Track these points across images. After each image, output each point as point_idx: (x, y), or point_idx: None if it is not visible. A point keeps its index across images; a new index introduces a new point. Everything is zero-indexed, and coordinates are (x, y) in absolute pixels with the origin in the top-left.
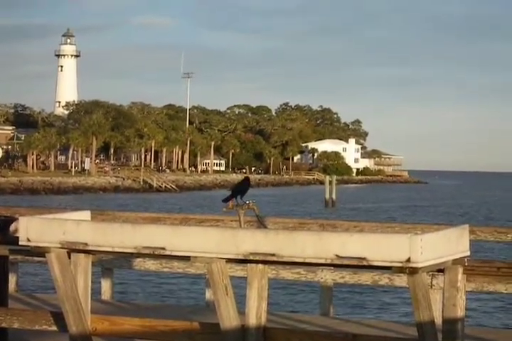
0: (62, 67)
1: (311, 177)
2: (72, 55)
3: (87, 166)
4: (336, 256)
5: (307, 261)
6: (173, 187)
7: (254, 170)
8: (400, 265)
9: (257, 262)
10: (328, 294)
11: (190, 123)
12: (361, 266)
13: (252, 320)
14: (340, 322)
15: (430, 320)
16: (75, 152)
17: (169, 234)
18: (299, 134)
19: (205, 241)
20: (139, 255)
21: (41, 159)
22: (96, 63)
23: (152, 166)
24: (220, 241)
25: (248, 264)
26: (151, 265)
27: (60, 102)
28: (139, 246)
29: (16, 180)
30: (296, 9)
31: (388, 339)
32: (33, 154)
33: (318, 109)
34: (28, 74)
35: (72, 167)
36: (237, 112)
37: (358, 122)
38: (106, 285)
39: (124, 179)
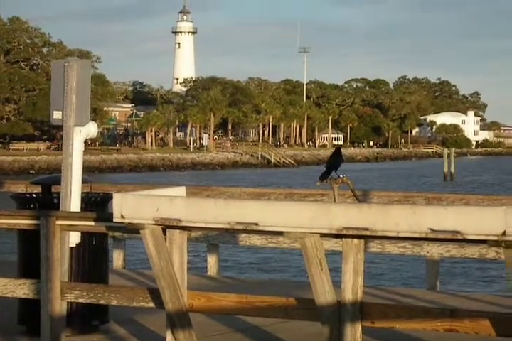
0: (179, 44)
1: (429, 150)
2: (189, 32)
3: (205, 142)
4: (430, 229)
5: (401, 235)
6: (291, 162)
7: (373, 144)
8: (495, 238)
9: (351, 237)
10: (434, 268)
11: (308, 97)
12: (456, 239)
13: (348, 295)
14: (446, 296)
15: None
16: (193, 128)
17: (262, 210)
18: (417, 107)
19: (297, 216)
20: (232, 230)
21: (160, 136)
22: (212, 40)
23: (270, 141)
24: (313, 216)
25: (343, 239)
26: (256, 240)
27: (177, 79)
28: (232, 222)
29: (135, 156)
30: None
31: (487, 314)
32: (151, 131)
33: (437, 81)
34: (146, 52)
35: (190, 143)
36: (354, 86)
37: (476, 94)
38: (212, 261)
39: (242, 154)
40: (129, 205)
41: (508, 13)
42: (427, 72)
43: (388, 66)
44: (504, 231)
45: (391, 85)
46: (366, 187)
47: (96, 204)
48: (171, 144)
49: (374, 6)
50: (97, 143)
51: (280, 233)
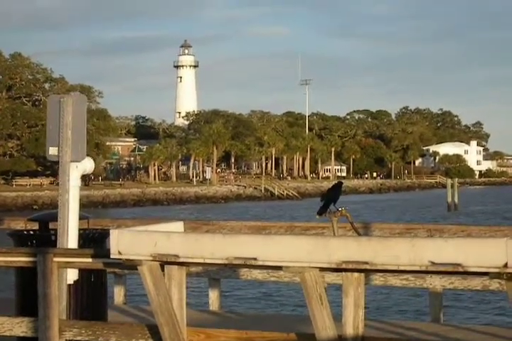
0: (181, 77)
1: (433, 180)
2: (190, 66)
3: (208, 175)
4: (431, 262)
5: (401, 268)
6: (295, 194)
7: (376, 175)
8: (497, 270)
9: (351, 270)
10: (437, 300)
11: (310, 129)
12: (457, 272)
13: (349, 330)
14: (450, 328)
15: None
16: (196, 162)
17: (260, 244)
18: (420, 138)
19: (296, 251)
20: (232, 266)
21: (163, 170)
22: (214, 73)
23: (273, 174)
24: (312, 250)
25: (343, 273)
26: (257, 274)
27: (180, 113)
28: (231, 257)
29: (139, 191)
30: (411, 15)
31: None
32: (154, 165)
33: (438, 112)
34: (148, 86)
35: (193, 177)
36: (356, 117)
37: (479, 124)
38: (213, 296)
39: (245, 187)
40: (126, 241)
41: (508, 41)
42: (428, 102)
43: (390, 97)
44: (506, 263)
45: (393, 116)
46: (369, 218)
47: (94, 240)
48: (174, 178)
49: (373, 40)
50: (101, 178)
51: (279, 267)
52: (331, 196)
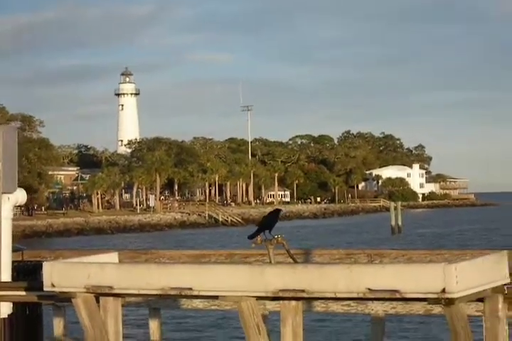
0: (122, 105)
1: (376, 204)
2: (131, 94)
3: (152, 203)
4: (368, 289)
5: (338, 296)
6: (239, 220)
7: (320, 200)
8: (435, 296)
9: (289, 299)
10: (380, 326)
11: (253, 155)
12: (395, 298)
13: None
14: None
15: None
16: (139, 189)
17: (196, 274)
18: (363, 162)
19: (232, 280)
20: (166, 296)
21: (106, 198)
22: (155, 100)
23: (217, 200)
24: (248, 279)
25: (281, 301)
26: (198, 303)
27: (122, 141)
28: (166, 287)
29: (82, 220)
30: (352, 41)
31: None
32: (97, 193)
33: (381, 135)
34: (89, 115)
35: (137, 204)
36: (299, 142)
37: (421, 147)
38: (154, 326)
39: (189, 214)
40: (59, 273)
41: (448, 68)
42: (370, 126)
43: (332, 122)
44: (444, 289)
45: (335, 141)
46: (312, 244)
47: (28, 273)
48: (118, 206)
49: (313, 65)
50: (44, 208)
51: (216, 297)
52: (266, 222)
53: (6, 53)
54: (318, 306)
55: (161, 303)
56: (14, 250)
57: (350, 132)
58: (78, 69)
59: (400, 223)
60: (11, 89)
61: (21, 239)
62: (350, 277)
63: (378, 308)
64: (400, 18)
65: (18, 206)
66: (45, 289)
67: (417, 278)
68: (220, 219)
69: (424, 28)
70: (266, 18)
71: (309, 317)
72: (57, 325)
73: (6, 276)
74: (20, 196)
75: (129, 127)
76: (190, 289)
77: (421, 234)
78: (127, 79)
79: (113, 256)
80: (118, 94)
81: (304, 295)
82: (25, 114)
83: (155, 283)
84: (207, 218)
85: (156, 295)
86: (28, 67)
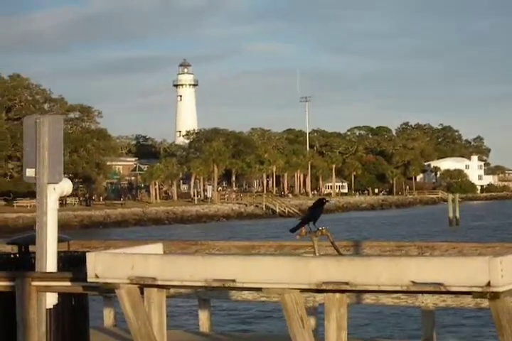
0: (181, 96)
1: (434, 196)
2: (190, 85)
3: (209, 194)
4: (412, 282)
5: (382, 288)
6: (296, 211)
7: (378, 191)
8: (479, 290)
9: (333, 291)
10: (430, 319)
11: (311, 146)
12: (439, 291)
13: None
14: None
15: None
16: (197, 180)
17: (239, 266)
18: (421, 153)
19: (276, 272)
20: (211, 288)
21: (164, 189)
22: (213, 91)
23: (274, 191)
24: (292, 272)
25: (325, 294)
26: (247, 294)
27: (180, 131)
28: (209, 279)
29: (140, 210)
30: (409, 31)
31: None
32: (155, 184)
33: (439, 127)
34: (148, 106)
35: (194, 195)
36: (357, 134)
37: (479, 139)
38: (203, 317)
39: (246, 205)
40: (103, 264)
41: (507, 58)
42: (429, 118)
43: (390, 113)
44: (489, 282)
45: (394, 132)
46: (367, 235)
47: (74, 263)
48: (175, 197)
49: (373, 55)
50: (102, 198)
51: (259, 289)
52: (310, 214)
53: (64, 45)
54: (368, 298)
55: (211, 294)
56: (60, 240)
57: (409, 123)
58: (137, 60)
59: (457, 215)
60: (70, 81)
61: (79, 229)
62: (393, 270)
63: (428, 301)
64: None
65: (77, 196)
66: (88, 280)
67: (461, 271)
68: (278, 210)
69: (485, 15)
70: (323, 9)
71: (362, 311)
72: (108, 316)
73: (52, 267)
74: (67, 186)
75: (187, 118)
76: (234, 281)
77: (479, 227)
78: (185, 70)
79: (158, 247)
80: (176, 85)
81: (348, 287)
82: (84, 105)
83: (198, 275)
84: (264, 209)
85: (200, 286)
86: (86, 58)
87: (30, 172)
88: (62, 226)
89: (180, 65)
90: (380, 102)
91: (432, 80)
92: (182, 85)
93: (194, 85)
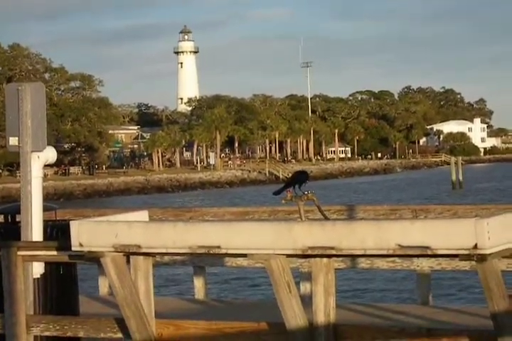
0: (181, 63)
1: (438, 159)
2: (190, 52)
3: (212, 161)
4: (398, 245)
5: (368, 252)
6: None
7: (381, 156)
8: (466, 252)
9: (320, 256)
10: (425, 282)
11: (313, 112)
12: (426, 255)
13: (320, 318)
14: (439, 311)
15: (505, 310)
16: (199, 147)
17: (223, 232)
18: (423, 117)
19: (260, 238)
20: (194, 255)
21: (167, 156)
22: (215, 58)
23: (277, 157)
24: (276, 237)
25: (312, 259)
26: (243, 261)
27: (182, 99)
28: (194, 246)
29: (142, 178)
30: None
31: (466, 331)
32: (158, 152)
33: (441, 90)
34: (149, 74)
35: (197, 162)
36: (359, 98)
37: (482, 101)
38: (199, 284)
39: (249, 171)
40: (87, 233)
41: (507, 20)
42: (431, 81)
43: (392, 77)
44: (475, 244)
45: (396, 96)
46: (373, 199)
47: (61, 232)
48: (178, 164)
49: (372, 20)
50: (104, 167)
51: (244, 255)
52: (295, 179)
53: (65, 14)
54: (363, 262)
55: (206, 261)
56: (46, 209)
57: (411, 87)
58: (137, 28)
59: (460, 178)
60: (70, 50)
61: (83, 198)
62: (378, 233)
63: (424, 264)
64: None
65: (80, 165)
66: (73, 249)
67: (447, 234)
68: (281, 176)
69: None
70: None
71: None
72: (103, 284)
73: (38, 236)
74: (51, 154)
75: (189, 85)
76: (219, 247)
77: (482, 189)
78: (186, 37)
79: (143, 214)
80: (177, 53)
81: (333, 252)
82: (85, 74)
83: (182, 242)
84: (267, 175)
85: (185, 253)
86: (87, 27)
87: (13, 140)
88: (67, 196)
89: (181, 32)
90: (382, 67)
91: (432, 43)
92: (183, 52)
93: (195, 52)
